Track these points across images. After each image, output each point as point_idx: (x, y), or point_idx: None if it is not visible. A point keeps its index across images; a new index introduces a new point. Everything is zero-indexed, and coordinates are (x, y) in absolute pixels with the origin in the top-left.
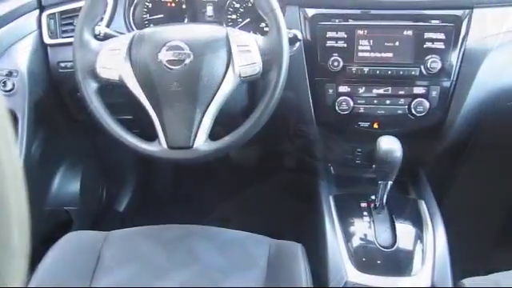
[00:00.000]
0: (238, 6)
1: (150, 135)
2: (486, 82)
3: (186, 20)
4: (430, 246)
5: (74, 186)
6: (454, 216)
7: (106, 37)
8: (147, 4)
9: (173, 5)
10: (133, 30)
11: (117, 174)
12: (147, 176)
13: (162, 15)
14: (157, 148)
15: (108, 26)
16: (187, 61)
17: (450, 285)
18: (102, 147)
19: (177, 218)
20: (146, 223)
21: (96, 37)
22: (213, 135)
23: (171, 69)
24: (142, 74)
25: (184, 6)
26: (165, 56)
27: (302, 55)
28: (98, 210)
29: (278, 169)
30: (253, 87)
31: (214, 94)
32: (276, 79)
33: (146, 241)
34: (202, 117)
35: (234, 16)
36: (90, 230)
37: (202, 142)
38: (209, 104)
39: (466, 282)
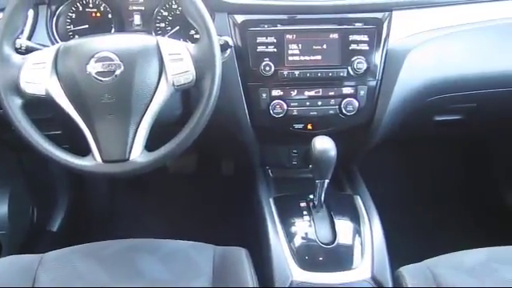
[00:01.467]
0: (166, 14)
1: (81, 150)
2: (408, 80)
3: (112, 30)
4: (367, 239)
5: (2, 209)
6: (388, 208)
7: (29, 50)
8: (70, 15)
9: (98, 15)
10: (57, 42)
11: (48, 192)
12: (81, 192)
13: (87, 26)
14: (90, 162)
15: (29, 38)
16: (118, 72)
17: (389, 274)
18: (30, 166)
19: (116, 234)
20: (83, 242)
21: (17, 50)
22: (149, 146)
23: (101, 80)
24: (70, 88)
25: (110, 16)
26: (94, 68)
27: (234, 61)
28: (29, 232)
29: (217, 175)
30: (187, 95)
31: (148, 105)
32: (210, 87)
33: (85, 259)
34: (137, 128)
35: (162, 24)
36: (23, 253)
37: (138, 154)
38: (143, 115)
39: (403, 270)
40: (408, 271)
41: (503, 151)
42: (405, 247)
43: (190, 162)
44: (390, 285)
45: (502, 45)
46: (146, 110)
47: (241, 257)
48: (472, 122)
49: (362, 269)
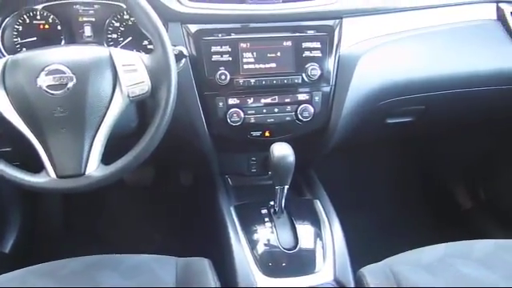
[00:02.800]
0: (117, 24)
1: (34, 166)
2: (360, 84)
3: (62, 42)
4: (329, 242)
5: None
6: (346, 211)
7: None
8: (17, 27)
9: (46, 26)
10: (3, 55)
11: None
12: (34, 210)
13: (35, 38)
14: (44, 179)
15: None
16: (70, 84)
17: (351, 275)
18: None
19: (73, 251)
20: (38, 262)
21: None
22: (105, 159)
23: (53, 94)
24: (19, 102)
25: (59, 28)
26: (44, 81)
27: (190, 71)
28: None
29: (176, 186)
30: (143, 106)
31: (103, 117)
32: (166, 97)
33: (42, 280)
34: (92, 141)
35: (114, 35)
36: None
37: (94, 168)
38: (98, 127)
39: (364, 270)
40: (369, 271)
41: (452, 151)
42: (365, 248)
43: (147, 173)
44: (353, 285)
45: (446, 49)
46: (101, 122)
47: (204, 267)
48: (422, 124)
49: (324, 272)
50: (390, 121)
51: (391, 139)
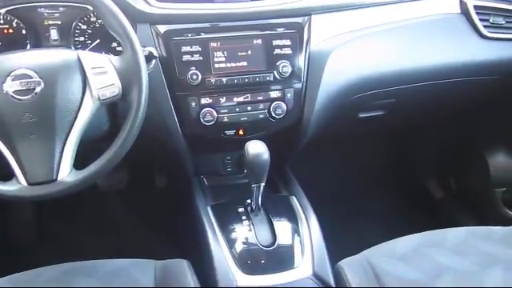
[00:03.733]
0: (84, 27)
1: (3, 174)
2: (331, 80)
3: (28, 46)
4: (306, 237)
5: None
6: (323, 205)
7: None
8: None
9: (10, 31)
10: None
11: None
12: (5, 220)
13: None
14: (14, 187)
15: None
16: (38, 89)
17: (329, 269)
18: None
19: (48, 260)
20: (11, 272)
21: None
22: (78, 164)
23: (20, 99)
24: None
25: (24, 32)
26: (11, 87)
27: (160, 72)
28: None
29: (151, 188)
30: (114, 109)
31: (73, 121)
32: (138, 99)
33: None
34: (63, 146)
35: (81, 38)
36: None
37: (66, 174)
38: (69, 132)
39: (342, 263)
40: (347, 264)
41: (423, 143)
42: (342, 241)
43: (121, 177)
44: (332, 279)
45: (413, 43)
46: (72, 126)
47: (183, 269)
48: (393, 117)
49: (303, 267)
50: (361, 115)
51: (364, 133)
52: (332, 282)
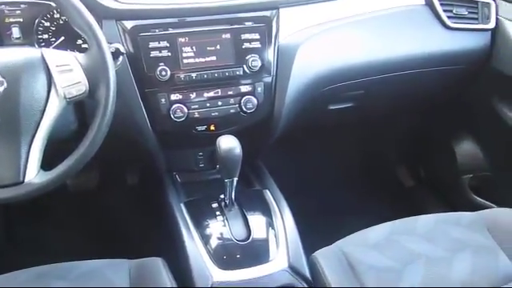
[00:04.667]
0: (48, 24)
1: None
2: (301, 73)
3: None
4: (281, 230)
5: None
6: (296, 198)
7: None
8: None
9: None
10: None
11: None
12: None
13: None
14: None
15: None
16: (0, 89)
17: (304, 261)
18: None
19: (19, 264)
20: None
21: None
22: (46, 165)
23: None
24: None
25: None
26: None
27: (128, 68)
28: None
29: (122, 187)
30: (82, 108)
31: (39, 121)
32: (106, 96)
33: None
34: (30, 147)
35: (45, 35)
36: None
37: (33, 175)
38: (35, 132)
39: (317, 254)
40: (321, 254)
41: (393, 133)
42: (316, 232)
43: (91, 176)
44: (307, 270)
45: (381, 34)
46: (38, 127)
47: (158, 267)
48: (362, 108)
49: (278, 259)
50: (331, 107)
51: (334, 125)
52: (307, 273)
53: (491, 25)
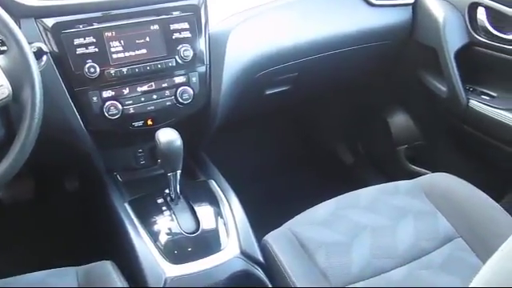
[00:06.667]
0: None
1: None
2: (234, 60)
3: None
4: (229, 218)
5: None
6: (242, 186)
7: None
8: None
9: None
10: None
11: None
12: None
13: None
14: None
15: None
16: None
17: (256, 245)
18: None
19: None
20: None
21: None
22: None
23: None
24: None
25: None
26: None
27: (54, 68)
28: None
29: (61, 194)
30: (7, 113)
31: None
32: (31, 99)
33: None
34: None
35: None
36: None
37: None
38: None
39: (268, 237)
40: (272, 237)
41: (330, 112)
42: (265, 217)
43: (25, 186)
44: (259, 255)
45: (308, 16)
46: None
47: (107, 270)
48: (298, 90)
49: (230, 247)
50: (268, 92)
51: (273, 110)
52: (260, 258)
53: (411, 0)
